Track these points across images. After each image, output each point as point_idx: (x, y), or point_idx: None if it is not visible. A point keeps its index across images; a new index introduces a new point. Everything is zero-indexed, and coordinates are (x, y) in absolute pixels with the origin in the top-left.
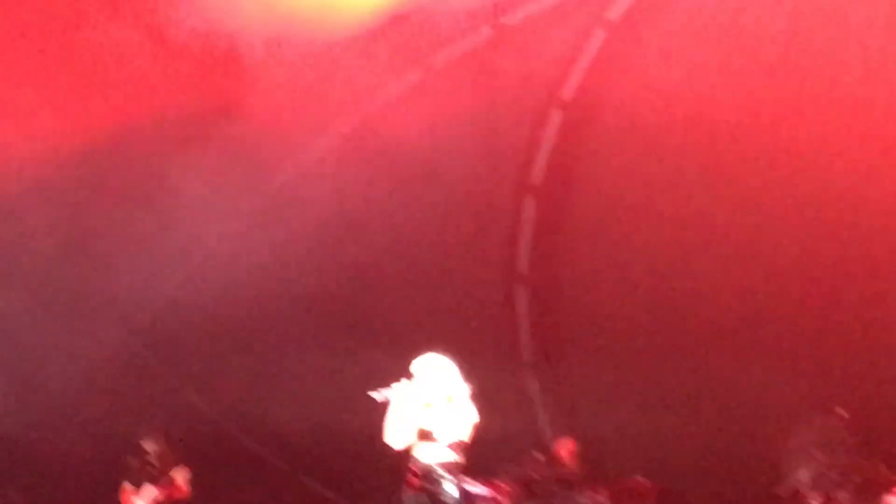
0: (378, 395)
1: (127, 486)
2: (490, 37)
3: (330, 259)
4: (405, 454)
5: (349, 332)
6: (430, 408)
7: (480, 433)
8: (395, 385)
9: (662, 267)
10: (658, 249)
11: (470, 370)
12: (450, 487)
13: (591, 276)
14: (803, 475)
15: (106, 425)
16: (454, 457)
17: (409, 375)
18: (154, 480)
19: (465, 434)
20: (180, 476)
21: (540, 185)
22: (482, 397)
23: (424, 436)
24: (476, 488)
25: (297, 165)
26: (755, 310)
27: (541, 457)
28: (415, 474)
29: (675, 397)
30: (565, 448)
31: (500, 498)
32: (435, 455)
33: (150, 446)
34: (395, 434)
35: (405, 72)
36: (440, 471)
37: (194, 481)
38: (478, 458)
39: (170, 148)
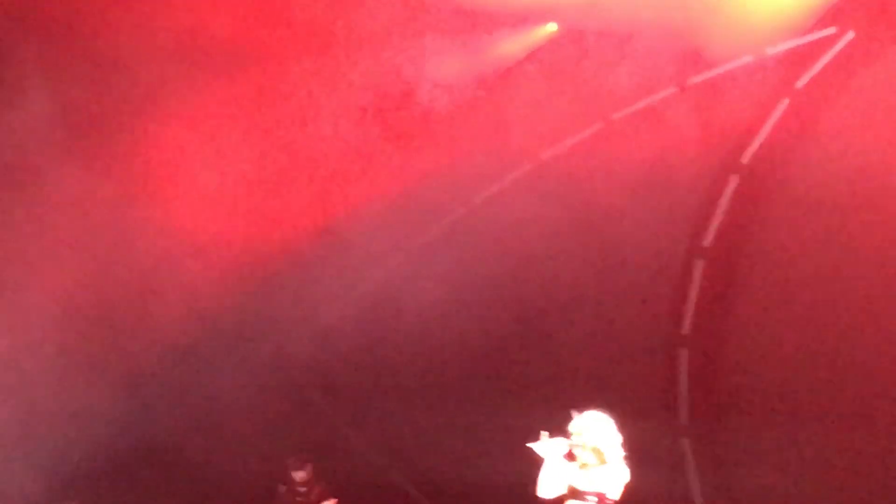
0: (535, 446)
1: None
2: (674, 95)
3: (494, 303)
4: None
5: (508, 381)
6: (583, 464)
7: (633, 494)
8: (552, 439)
9: (826, 336)
10: (823, 319)
11: (626, 429)
12: None
13: (753, 341)
14: None
15: (259, 449)
16: None
17: (565, 429)
18: None
19: (616, 493)
20: None
21: (710, 247)
22: (637, 457)
23: (575, 493)
24: None
25: (467, 205)
26: None
27: None
28: None
29: (835, 463)
30: None
31: None
32: None
33: (299, 476)
34: (548, 489)
35: (585, 121)
36: None
37: None
38: None
39: (342, 179)
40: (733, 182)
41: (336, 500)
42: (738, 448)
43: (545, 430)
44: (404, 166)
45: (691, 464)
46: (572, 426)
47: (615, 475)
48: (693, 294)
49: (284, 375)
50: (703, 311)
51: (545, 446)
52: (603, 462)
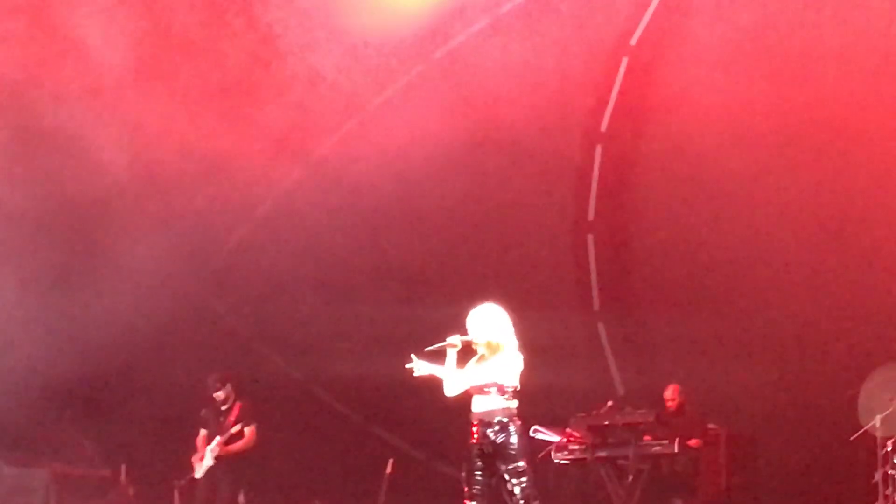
0: (436, 347)
1: (203, 432)
2: None
3: (401, 206)
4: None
5: (418, 282)
6: (480, 357)
7: (556, 384)
8: (451, 337)
9: (732, 214)
10: (729, 197)
11: (541, 319)
12: (512, 435)
13: (658, 223)
14: (877, 421)
15: (177, 374)
16: (510, 405)
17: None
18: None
19: (512, 380)
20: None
21: (608, 132)
22: (555, 347)
23: (476, 389)
24: (546, 435)
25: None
26: (831, 259)
27: (612, 404)
28: (475, 425)
29: (746, 344)
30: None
31: (571, 444)
32: (492, 404)
33: (219, 395)
34: (452, 385)
35: (473, 15)
36: (499, 418)
37: (270, 430)
38: (550, 406)
39: None
40: (624, 64)
41: (255, 426)
42: (653, 333)
43: (451, 326)
44: None
45: (608, 350)
46: (468, 319)
47: (508, 363)
48: (595, 181)
49: (197, 299)
50: (606, 198)
51: (446, 344)
52: (501, 352)
